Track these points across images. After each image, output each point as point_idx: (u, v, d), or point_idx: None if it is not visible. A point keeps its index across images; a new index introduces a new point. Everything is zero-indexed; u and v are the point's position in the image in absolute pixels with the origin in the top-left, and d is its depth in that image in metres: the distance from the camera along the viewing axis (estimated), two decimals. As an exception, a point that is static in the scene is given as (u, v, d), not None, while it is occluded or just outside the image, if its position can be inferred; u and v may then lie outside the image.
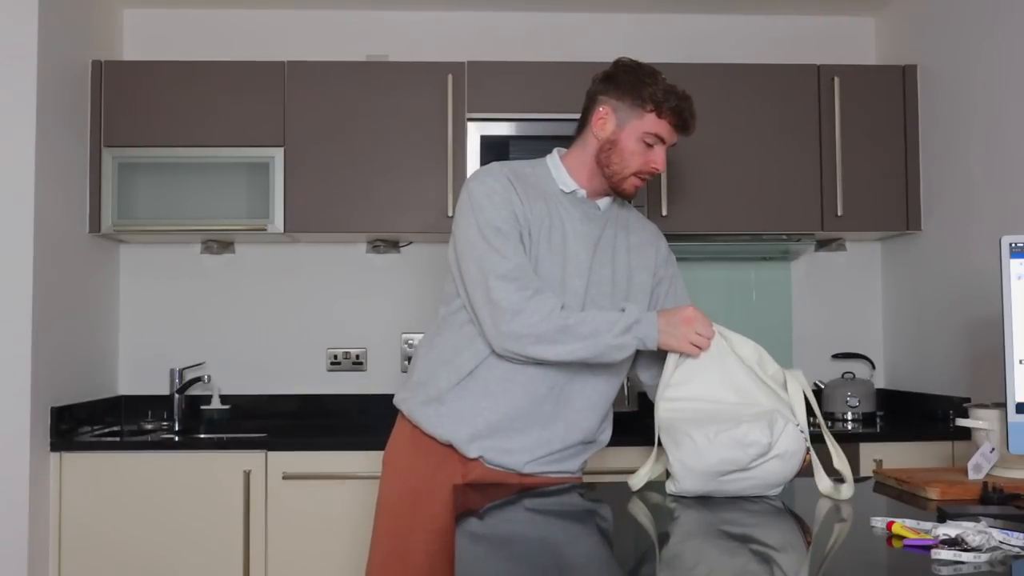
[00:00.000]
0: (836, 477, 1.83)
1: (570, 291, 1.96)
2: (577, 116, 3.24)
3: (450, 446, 1.96)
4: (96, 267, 3.21)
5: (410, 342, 3.41)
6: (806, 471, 1.82)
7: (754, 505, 1.71)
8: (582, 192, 2.01)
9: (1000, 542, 1.33)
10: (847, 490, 1.77)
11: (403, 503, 2.00)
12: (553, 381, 1.96)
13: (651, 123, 1.95)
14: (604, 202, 2.05)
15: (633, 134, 1.96)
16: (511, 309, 1.85)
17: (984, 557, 1.28)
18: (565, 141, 3.08)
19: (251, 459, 2.80)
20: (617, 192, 2.02)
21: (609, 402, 2.07)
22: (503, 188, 1.93)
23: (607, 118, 1.98)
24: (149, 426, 3.24)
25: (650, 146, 1.97)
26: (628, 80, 1.98)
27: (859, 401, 3.24)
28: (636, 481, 1.89)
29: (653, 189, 3.13)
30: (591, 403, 2.01)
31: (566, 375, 1.96)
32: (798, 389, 1.85)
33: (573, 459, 2.04)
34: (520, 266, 1.88)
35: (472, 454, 1.95)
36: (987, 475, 1.87)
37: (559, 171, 2.02)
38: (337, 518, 2.79)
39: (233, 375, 3.39)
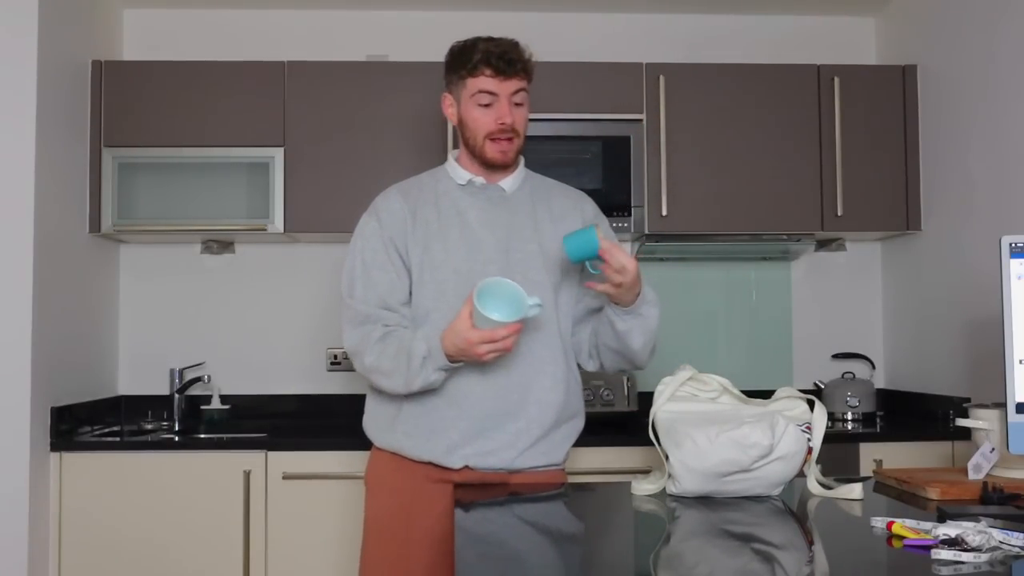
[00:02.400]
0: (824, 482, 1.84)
1: (486, 277, 1.91)
2: (577, 116, 3.26)
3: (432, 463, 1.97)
4: (96, 267, 3.21)
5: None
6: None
7: (755, 505, 1.71)
8: (479, 180, 2.03)
9: (1000, 542, 1.33)
10: (858, 489, 1.76)
11: (396, 521, 2.00)
12: (513, 369, 1.95)
13: (472, 84, 1.96)
14: (508, 183, 2.05)
15: (467, 104, 1.97)
16: (352, 351, 1.99)
17: (984, 557, 1.28)
18: (565, 141, 3.12)
19: (251, 459, 2.80)
20: (487, 164, 2.00)
21: (571, 372, 2.06)
22: (386, 215, 2.02)
23: (450, 105, 2.03)
24: (149, 426, 3.24)
25: (488, 106, 1.95)
26: (448, 62, 2.02)
27: (859, 401, 3.24)
28: (641, 489, 1.86)
29: (653, 189, 3.13)
30: (555, 378, 2.00)
31: (523, 360, 1.95)
32: (822, 414, 1.84)
33: (557, 448, 2.03)
34: (364, 309, 1.97)
35: (456, 465, 1.95)
36: (987, 475, 1.87)
37: (453, 168, 2.06)
38: (337, 518, 2.79)
39: (233, 375, 3.39)
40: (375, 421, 2.07)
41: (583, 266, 1.95)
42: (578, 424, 2.10)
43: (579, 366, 2.11)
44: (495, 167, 2.02)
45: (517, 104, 2.00)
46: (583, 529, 1.60)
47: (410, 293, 2.01)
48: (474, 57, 1.95)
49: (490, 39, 2.00)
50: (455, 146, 3.18)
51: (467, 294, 1.85)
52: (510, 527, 1.67)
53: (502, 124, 1.96)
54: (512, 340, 1.83)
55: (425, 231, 2.00)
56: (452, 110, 2.03)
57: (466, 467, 1.96)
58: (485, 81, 1.95)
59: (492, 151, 1.98)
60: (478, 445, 1.95)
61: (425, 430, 1.97)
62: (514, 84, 1.98)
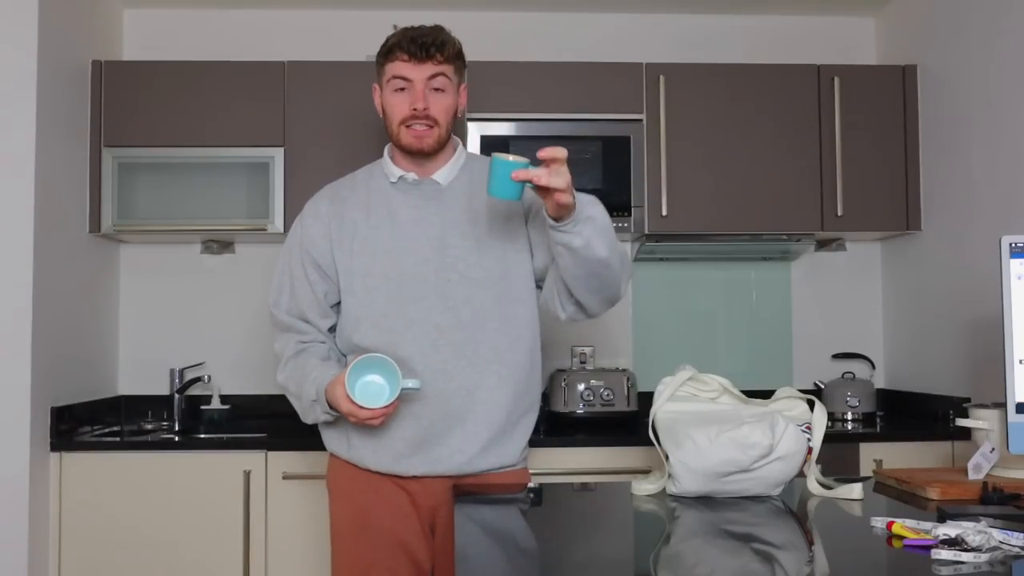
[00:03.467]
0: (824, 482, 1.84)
1: (419, 280, 1.92)
2: (577, 116, 3.26)
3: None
4: (96, 267, 3.21)
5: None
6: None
7: (755, 505, 1.71)
8: (411, 176, 1.98)
9: (1000, 542, 1.33)
10: (858, 489, 1.76)
11: (357, 524, 1.99)
12: (454, 374, 1.92)
13: (388, 69, 1.93)
14: (443, 174, 1.99)
15: (386, 91, 1.95)
16: (277, 357, 2.07)
17: (984, 557, 1.28)
18: (565, 141, 3.11)
19: (251, 459, 2.80)
20: (405, 150, 1.96)
21: (519, 368, 1.99)
22: (310, 221, 2.03)
23: (377, 94, 2.00)
24: (149, 426, 3.24)
25: (402, 90, 1.92)
26: (376, 55, 1.99)
27: (859, 401, 3.25)
28: (641, 489, 1.87)
29: (653, 189, 3.13)
30: (501, 377, 1.95)
31: (464, 363, 1.92)
32: (822, 414, 1.84)
33: (511, 449, 1.99)
34: (285, 320, 2.03)
35: (408, 473, 1.96)
36: (987, 475, 1.87)
37: (387, 164, 2.01)
38: (337, 518, 2.79)
39: (233, 375, 3.39)
40: (326, 428, 2.06)
41: (525, 212, 1.95)
42: (532, 419, 2.06)
43: (568, 316, 1.99)
44: (413, 154, 1.96)
45: (436, 89, 1.93)
46: (583, 529, 1.60)
47: (339, 301, 2.01)
48: (390, 42, 1.94)
49: (412, 27, 1.96)
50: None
51: (399, 299, 1.91)
52: (510, 527, 1.67)
53: (414, 109, 1.90)
54: (380, 420, 1.82)
55: (352, 236, 1.97)
56: (377, 98, 2.00)
57: (415, 476, 1.96)
58: (400, 66, 1.91)
59: (407, 137, 1.93)
60: (425, 453, 1.94)
61: (371, 441, 1.96)
62: (429, 68, 1.91)
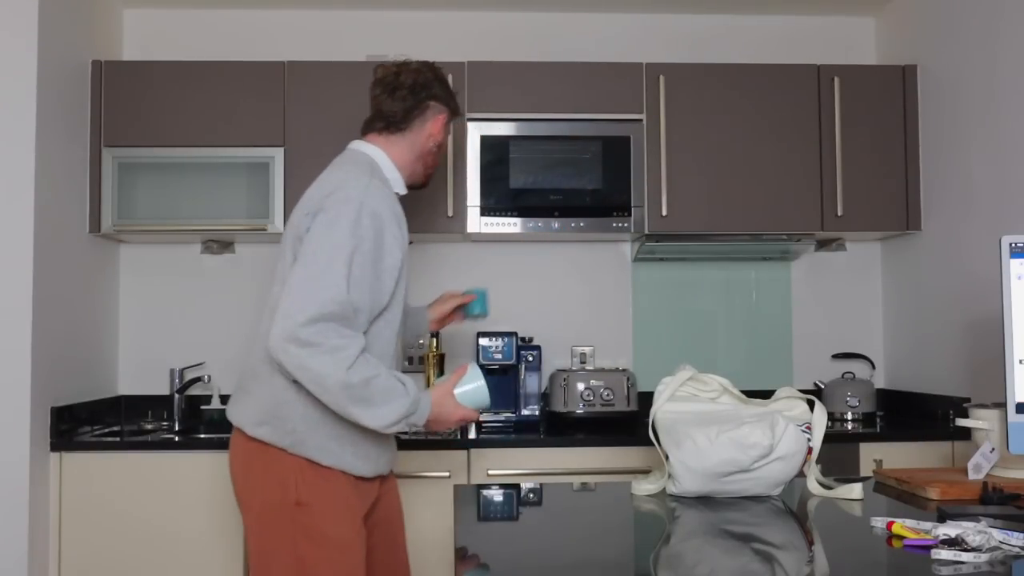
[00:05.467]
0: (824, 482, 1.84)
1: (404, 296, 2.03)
2: (577, 116, 3.26)
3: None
4: (96, 267, 3.21)
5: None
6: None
7: (755, 505, 1.71)
8: (404, 191, 2.10)
9: (1000, 542, 1.34)
10: (858, 489, 1.76)
11: (357, 530, 1.96)
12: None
13: (452, 125, 2.18)
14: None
15: (448, 136, 2.17)
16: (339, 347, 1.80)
17: (984, 557, 1.28)
18: (565, 141, 3.12)
19: (251, 459, 2.79)
20: (423, 186, 2.17)
21: None
22: (395, 223, 1.95)
23: (445, 125, 2.13)
24: (149, 426, 3.23)
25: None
26: (448, 90, 2.14)
27: (859, 401, 3.25)
28: (641, 489, 1.87)
29: (653, 189, 3.13)
30: None
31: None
32: (822, 414, 1.84)
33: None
34: (351, 313, 1.84)
35: (388, 469, 2.09)
36: (987, 475, 1.87)
37: (393, 172, 2.06)
38: (337, 518, 2.79)
39: (233, 375, 3.38)
40: (331, 443, 1.95)
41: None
42: None
43: None
44: (415, 188, 2.17)
45: None
46: (583, 529, 1.60)
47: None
48: (460, 106, 2.18)
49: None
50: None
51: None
52: (509, 527, 1.67)
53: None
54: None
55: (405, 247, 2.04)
56: (445, 131, 2.15)
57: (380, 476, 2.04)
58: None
59: (428, 178, 2.19)
60: (393, 452, 2.10)
61: (376, 447, 2.00)
62: None
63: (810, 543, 1.49)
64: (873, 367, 3.49)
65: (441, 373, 3.24)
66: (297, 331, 1.76)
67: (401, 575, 2.15)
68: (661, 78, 3.16)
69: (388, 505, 2.12)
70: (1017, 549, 1.32)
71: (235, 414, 2.00)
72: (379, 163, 2.04)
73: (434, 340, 3.26)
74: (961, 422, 1.98)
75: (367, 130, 2.11)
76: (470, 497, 1.87)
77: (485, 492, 1.94)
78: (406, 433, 2.72)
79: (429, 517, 2.78)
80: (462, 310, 2.46)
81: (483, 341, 3.19)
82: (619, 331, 3.49)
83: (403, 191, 2.07)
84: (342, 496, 1.92)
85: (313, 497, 1.89)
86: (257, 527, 1.93)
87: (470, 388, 1.92)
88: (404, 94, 2.06)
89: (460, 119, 2.24)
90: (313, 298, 1.78)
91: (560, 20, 3.54)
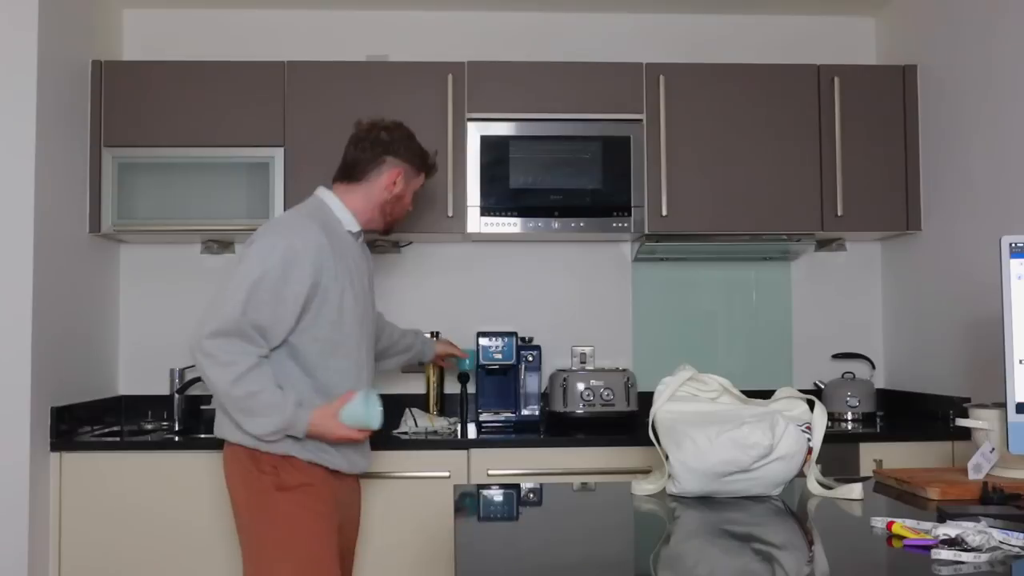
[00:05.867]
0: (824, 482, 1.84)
1: (369, 316, 2.34)
2: (577, 116, 3.25)
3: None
4: (96, 267, 3.21)
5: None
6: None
7: (755, 505, 1.71)
8: (360, 232, 2.36)
9: (1000, 542, 1.33)
10: (858, 489, 1.76)
11: (331, 524, 2.22)
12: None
13: (421, 180, 2.47)
14: (359, 238, 2.39)
15: (411, 190, 2.43)
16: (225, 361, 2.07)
17: (984, 557, 1.28)
18: (565, 141, 3.12)
19: (251, 459, 2.79)
20: (386, 232, 2.46)
21: None
22: (314, 240, 2.17)
23: (398, 180, 2.36)
24: (149, 426, 3.23)
25: (414, 195, 2.46)
26: (410, 148, 2.39)
27: (859, 401, 3.24)
28: (641, 489, 1.87)
29: (653, 189, 3.13)
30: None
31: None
32: (822, 414, 1.84)
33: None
34: (250, 330, 2.10)
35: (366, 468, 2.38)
36: (987, 475, 1.87)
37: (344, 213, 2.32)
38: (337, 518, 2.79)
39: (233, 375, 3.39)
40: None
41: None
42: None
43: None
44: (377, 232, 2.49)
45: None
46: (583, 529, 1.60)
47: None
48: (430, 161, 2.46)
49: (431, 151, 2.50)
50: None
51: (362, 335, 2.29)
52: (509, 527, 1.67)
53: (407, 212, 2.49)
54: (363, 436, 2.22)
55: (346, 276, 2.27)
56: (399, 185, 2.36)
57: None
58: (423, 179, 2.49)
59: (392, 226, 2.47)
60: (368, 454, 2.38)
61: (354, 446, 2.27)
62: None
63: (810, 543, 1.49)
64: (873, 367, 3.49)
65: (441, 373, 3.26)
66: (202, 342, 2.06)
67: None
68: (661, 78, 3.16)
69: (351, 508, 2.38)
70: (1017, 549, 1.32)
71: (219, 430, 2.23)
72: (330, 206, 2.31)
73: (434, 340, 3.26)
74: (961, 422, 1.98)
75: (334, 178, 2.39)
76: (470, 497, 1.87)
77: (485, 492, 1.95)
78: (406, 433, 2.86)
79: (429, 517, 2.78)
80: (454, 359, 3.02)
81: (483, 341, 3.19)
82: (619, 331, 3.49)
83: (355, 228, 2.33)
84: (322, 481, 2.19)
85: (294, 482, 2.15)
86: (247, 515, 2.18)
87: (347, 409, 2.13)
88: (365, 146, 2.34)
89: (432, 176, 2.52)
90: (215, 315, 2.07)
91: (560, 20, 3.54)
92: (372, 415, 2.13)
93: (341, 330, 2.20)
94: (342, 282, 2.20)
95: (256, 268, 2.10)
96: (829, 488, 1.81)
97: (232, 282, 2.10)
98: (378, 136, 2.34)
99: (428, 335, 3.01)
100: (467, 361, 3.05)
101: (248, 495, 2.18)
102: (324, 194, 2.34)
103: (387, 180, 2.34)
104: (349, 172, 2.34)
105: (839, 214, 3.16)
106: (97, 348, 3.22)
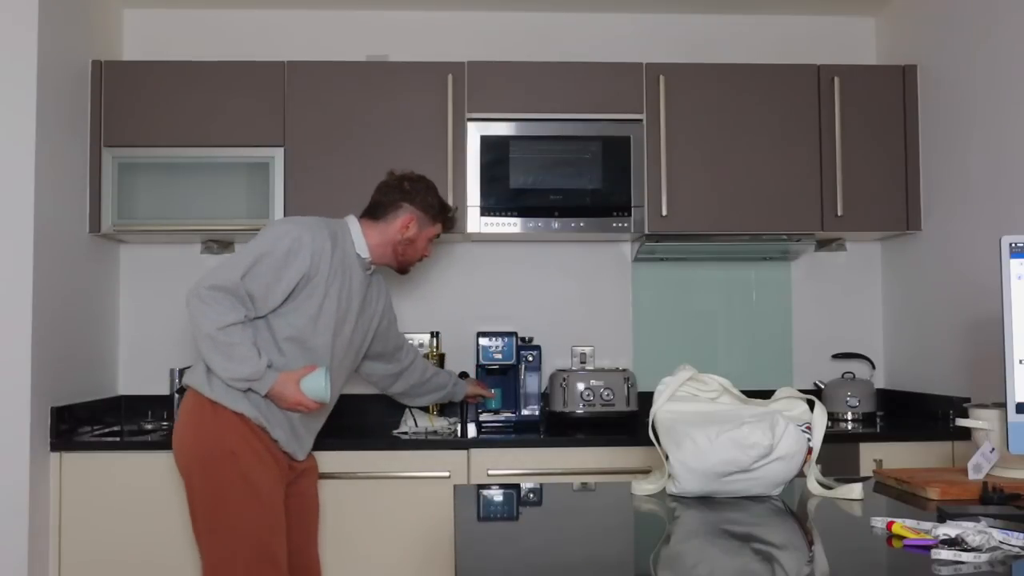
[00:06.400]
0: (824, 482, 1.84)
1: (347, 331, 2.51)
2: (577, 116, 3.26)
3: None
4: (96, 267, 3.21)
5: (409, 341, 3.41)
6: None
7: (755, 505, 1.71)
8: (368, 261, 2.57)
9: (1000, 542, 1.33)
10: (858, 489, 1.77)
11: (276, 489, 2.42)
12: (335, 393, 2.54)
13: (437, 229, 2.69)
14: (370, 269, 2.62)
15: (426, 237, 2.66)
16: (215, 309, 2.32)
17: (984, 557, 1.28)
18: (565, 141, 3.13)
19: (251, 459, 2.79)
20: (400, 271, 2.71)
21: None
22: (320, 243, 2.43)
23: (411, 225, 2.61)
24: (149, 426, 3.23)
25: (427, 243, 2.68)
26: (427, 199, 2.64)
27: (859, 401, 3.25)
28: (641, 489, 1.87)
29: (653, 189, 3.13)
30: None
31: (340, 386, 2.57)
32: (822, 414, 1.84)
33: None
34: (242, 292, 2.34)
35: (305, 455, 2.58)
36: (987, 475, 1.87)
37: (360, 240, 2.57)
38: (335, 517, 2.79)
39: (233, 375, 3.39)
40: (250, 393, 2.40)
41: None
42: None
43: None
44: (393, 270, 2.73)
45: None
46: (582, 529, 1.60)
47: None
48: (448, 213, 2.71)
49: (449, 204, 2.82)
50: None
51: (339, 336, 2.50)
52: (509, 527, 1.67)
53: (425, 256, 2.74)
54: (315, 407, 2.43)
55: (330, 273, 2.47)
56: (411, 231, 2.61)
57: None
58: (440, 229, 2.71)
59: (409, 268, 2.72)
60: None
61: (303, 421, 2.49)
62: None
63: (810, 543, 1.49)
64: (873, 367, 3.49)
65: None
66: (200, 290, 2.31)
67: (312, 566, 2.58)
68: (661, 78, 3.16)
69: (304, 491, 2.56)
70: (1017, 549, 1.32)
71: (190, 378, 2.42)
72: (351, 229, 2.57)
73: (434, 340, 3.27)
74: (961, 422, 1.98)
75: (361, 214, 2.63)
76: (470, 497, 1.87)
77: (485, 492, 1.95)
78: (406, 433, 2.89)
79: (429, 517, 2.78)
80: (482, 398, 3.16)
81: (483, 341, 3.19)
82: (619, 331, 3.49)
83: (365, 255, 2.55)
84: (267, 449, 2.38)
85: (243, 448, 2.35)
86: (201, 474, 2.36)
87: (308, 379, 2.36)
88: (388, 192, 2.62)
89: (450, 228, 2.80)
90: (218, 274, 2.34)
91: (560, 20, 3.54)
92: (328, 390, 2.38)
93: (315, 328, 2.43)
94: (329, 287, 2.42)
95: (266, 245, 2.37)
96: (829, 488, 1.81)
97: (242, 251, 2.38)
98: (401, 184, 2.62)
99: (459, 375, 3.14)
100: (493, 401, 3.21)
101: (207, 454, 2.36)
102: (350, 220, 2.60)
103: (401, 224, 2.60)
104: (373, 211, 2.62)
105: (839, 214, 3.16)
106: (97, 348, 3.22)
